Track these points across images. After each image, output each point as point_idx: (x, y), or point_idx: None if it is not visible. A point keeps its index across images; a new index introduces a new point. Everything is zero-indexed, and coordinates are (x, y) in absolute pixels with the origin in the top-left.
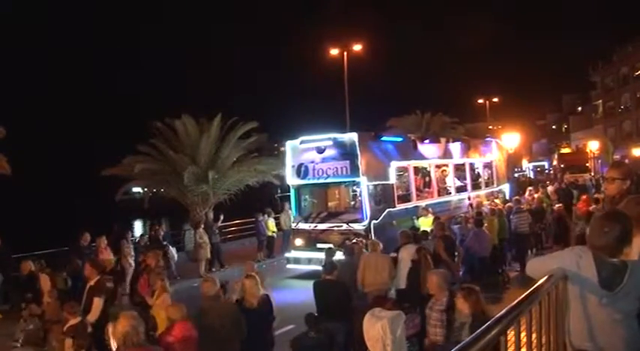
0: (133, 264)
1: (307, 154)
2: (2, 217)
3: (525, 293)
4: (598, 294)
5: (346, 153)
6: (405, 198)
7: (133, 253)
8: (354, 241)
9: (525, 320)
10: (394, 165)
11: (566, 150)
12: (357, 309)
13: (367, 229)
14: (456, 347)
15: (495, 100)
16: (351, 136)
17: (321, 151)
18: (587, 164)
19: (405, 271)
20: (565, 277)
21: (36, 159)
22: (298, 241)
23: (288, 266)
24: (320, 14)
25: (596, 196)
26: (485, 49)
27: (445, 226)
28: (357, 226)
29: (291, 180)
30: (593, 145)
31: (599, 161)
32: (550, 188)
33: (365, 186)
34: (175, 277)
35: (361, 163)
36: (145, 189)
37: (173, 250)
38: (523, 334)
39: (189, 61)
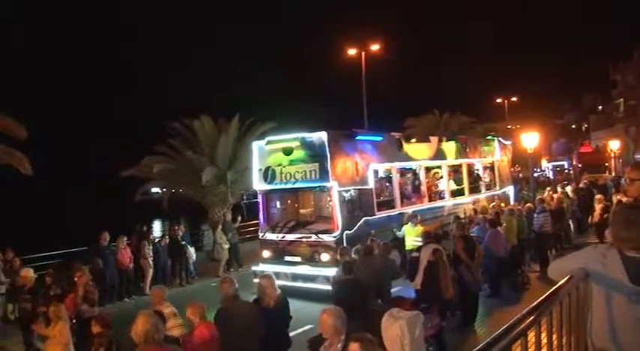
0: (152, 265)
1: (274, 156)
2: (23, 217)
3: (546, 294)
4: (626, 292)
5: (315, 155)
6: (388, 204)
7: (152, 254)
8: (372, 239)
9: (546, 321)
10: (373, 167)
11: (584, 149)
12: (375, 309)
13: (338, 241)
14: (476, 348)
15: (514, 99)
16: (320, 136)
17: (288, 152)
18: (606, 164)
19: (421, 272)
20: (586, 278)
21: (56, 160)
22: (266, 253)
23: (256, 281)
24: (338, 14)
25: (618, 197)
26: (505, 48)
27: (465, 226)
28: (326, 238)
29: (258, 185)
30: (613, 145)
31: (620, 161)
32: (569, 188)
33: (336, 192)
34: (194, 276)
35: (331, 165)
36: (164, 189)
37: (192, 250)
38: (543, 335)
39: (208, 62)
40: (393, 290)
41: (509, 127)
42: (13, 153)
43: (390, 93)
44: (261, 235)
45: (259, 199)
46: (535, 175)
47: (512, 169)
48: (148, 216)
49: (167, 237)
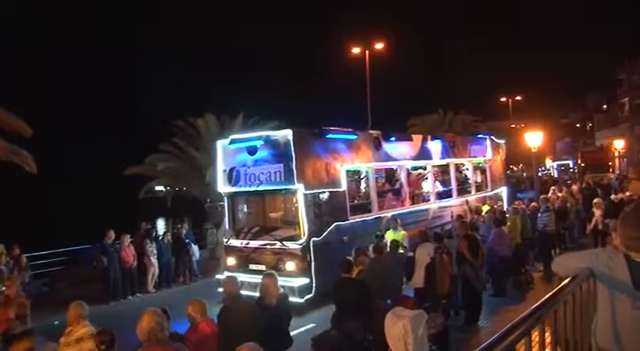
0: (155, 263)
1: (239, 156)
2: (28, 214)
3: (550, 293)
4: (630, 296)
5: (280, 154)
6: (364, 208)
7: (155, 252)
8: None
9: (550, 320)
10: (347, 168)
11: (588, 148)
12: (378, 308)
13: (305, 249)
14: (480, 347)
15: (518, 98)
16: (285, 134)
17: (252, 152)
18: (610, 163)
19: (422, 271)
20: (590, 278)
21: (60, 158)
22: (230, 261)
23: (220, 290)
24: (342, 13)
25: (619, 196)
26: (510, 47)
27: (469, 225)
28: (291, 245)
29: (223, 187)
30: (618, 144)
31: (625, 160)
32: (574, 187)
33: (302, 195)
34: (197, 275)
35: (297, 166)
36: (168, 187)
37: (195, 249)
38: (547, 334)
39: (211, 60)
40: None
41: (512, 126)
42: (18, 151)
43: (395, 92)
44: (225, 240)
45: (224, 202)
46: (540, 174)
47: (515, 169)
48: (152, 214)
49: (169, 234)
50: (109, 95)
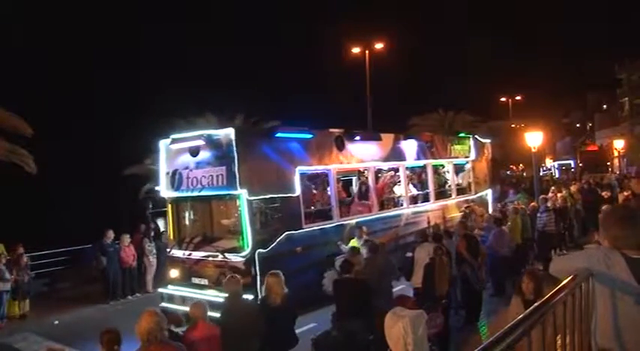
0: (154, 263)
1: (181, 157)
2: (28, 215)
3: (550, 293)
4: (632, 292)
5: (222, 156)
6: (322, 215)
7: (154, 252)
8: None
9: (549, 320)
10: (302, 171)
11: (586, 148)
12: (378, 308)
13: (249, 262)
14: (480, 347)
15: (518, 98)
16: (227, 133)
17: (194, 153)
18: (607, 163)
19: (421, 271)
20: (589, 278)
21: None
22: (173, 273)
23: (162, 305)
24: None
25: (625, 193)
26: (510, 47)
27: (468, 225)
28: (234, 258)
29: (165, 191)
30: (618, 144)
31: (625, 160)
32: (573, 188)
33: (245, 201)
34: None
35: (240, 169)
36: None
37: None
38: (547, 335)
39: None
40: (395, 289)
41: (513, 125)
42: (18, 151)
43: (396, 92)
44: (168, 250)
45: (167, 208)
46: (541, 173)
47: (514, 169)
48: (152, 214)
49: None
50: (109, 95)
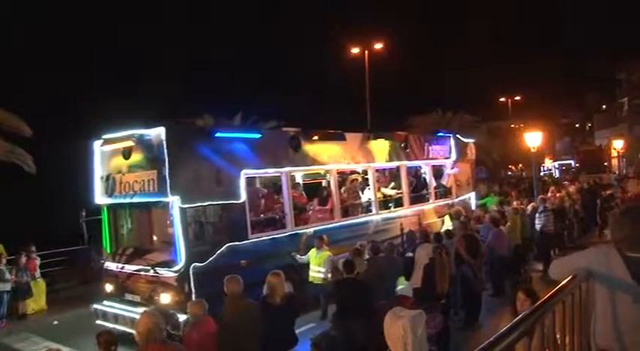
0: None
1: (115, 160)
2: (25, 215)
3: (549, 294)
4: (631, 292)
5: (153, 158)
6: (273, 224)
7: None
8: (360, 243)
9: (549, 320)
10: (248, 175)
11: (584, 148)
12: (378, 308)
13: (182, 277)
14: (479, 347)
15: (517, 98)
16: (158, 132)
17: (127, 155)
18: (605, 163)
19: (421, 271)
20: (589, 278)
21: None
22: (108, 287)
23: (98, 322)
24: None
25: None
26: (508, 47)
27: (467, 225)
28: (166, 273)
29: (100, 197)
30: (617, 144)
31: (624, 160)
32: (571, 188)
33: (177, 209)
34: None
35: (171, 173)
36: None
37: None
38: (546, 335)
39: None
40: (397, 289)
41: (512, 126)
42: (17, 151)
43: (393, 92)
44: (102, 262)
45: (102, 215)
46: (541, 173)
47: (514, 169)
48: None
49: None
50: (108, 95)
